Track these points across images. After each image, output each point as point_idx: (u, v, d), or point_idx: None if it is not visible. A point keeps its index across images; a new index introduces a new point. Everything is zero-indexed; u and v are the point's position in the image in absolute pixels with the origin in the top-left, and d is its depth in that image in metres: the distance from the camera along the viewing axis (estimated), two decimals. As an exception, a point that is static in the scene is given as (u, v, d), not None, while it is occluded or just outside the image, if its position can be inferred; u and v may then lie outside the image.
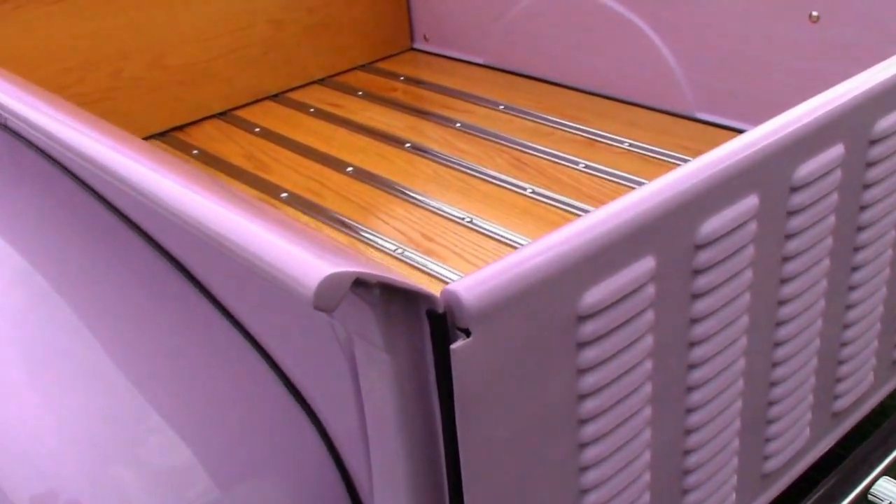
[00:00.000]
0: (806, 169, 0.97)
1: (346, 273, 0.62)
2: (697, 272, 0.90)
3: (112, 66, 2.10)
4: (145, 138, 2.19)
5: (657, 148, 1.94)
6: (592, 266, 0.78)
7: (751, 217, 0.92)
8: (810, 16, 1.76)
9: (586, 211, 1.71)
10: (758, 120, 1.89)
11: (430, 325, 0.70)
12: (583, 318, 0.79)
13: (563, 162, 1.91)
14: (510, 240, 1.65)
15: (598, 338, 0.81)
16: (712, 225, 0.88)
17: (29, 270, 1.10)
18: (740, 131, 1.37)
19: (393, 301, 0.70)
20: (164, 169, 0.84)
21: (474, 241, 1.65)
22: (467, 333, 0.71)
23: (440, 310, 0.70)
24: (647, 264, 0.83)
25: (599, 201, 1.75)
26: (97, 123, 1.00)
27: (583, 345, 0.81)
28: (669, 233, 0.85)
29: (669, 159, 1.89)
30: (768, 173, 0.93)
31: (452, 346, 0.70)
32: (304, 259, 0.65)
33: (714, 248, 0.89)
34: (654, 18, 2.02)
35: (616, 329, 0.83)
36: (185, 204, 0.77)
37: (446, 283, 1.18)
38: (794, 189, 0.97)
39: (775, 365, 1.07)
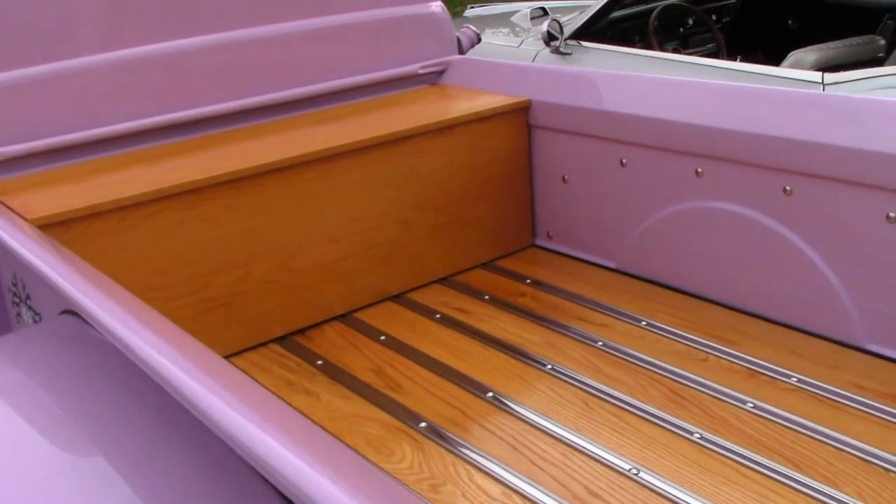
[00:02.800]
0: None
1: None
2: None
3: (240, 271, 2.02)
4: (267, 343, 2.09)
5: (828, 386, 1.77)
6: None
7: None
8: None
9: (766, 466, 1.53)
10: None
11: None
12: None
13: (727, 399, 1.75)
14: (686, 502, 1.48)
15: None
16: None
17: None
18: None
19: None
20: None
21: (647, 501, 1.48)
22: None
23: None
24: None
25: (779, 454, 1.57)
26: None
27: None
28: None
29: (844, 401, 1.72)
30: None
31: None
32: None
33: None
34: (812, 235, 1.90)
35: None
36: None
37: None
38: None
39: None
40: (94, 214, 1.79)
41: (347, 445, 1.68)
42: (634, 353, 1.94)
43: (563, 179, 2.42)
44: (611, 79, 2.32)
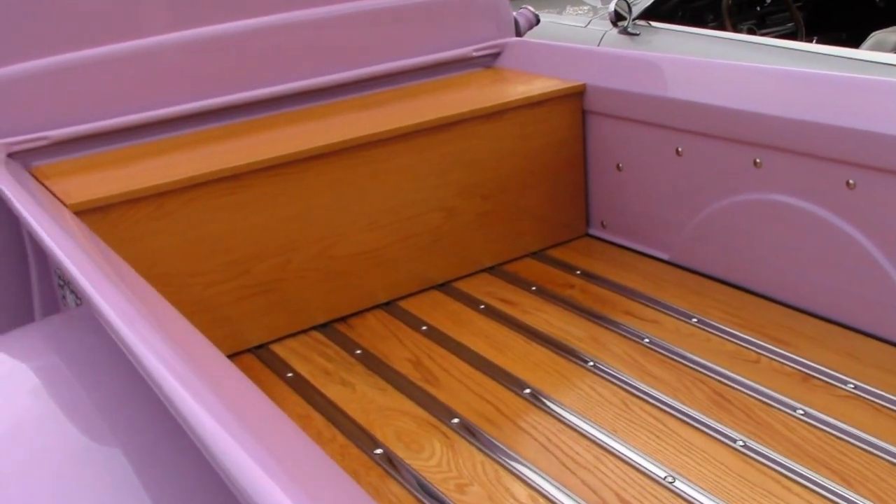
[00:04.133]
0: None
1: None
2: None
3: (281, 257, 2.00)
4: (307, 330, 2.08)
5: (887, 394, 1.66)
6: None
7: None
8: None
9: (812, 480, 1.45)
10: None
11: None
12: None
13: (775, 404, 1.66)
14: (723, 514, 1.40)
15: None
16: None
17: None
18: None
19: None
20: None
21: (680, 512, 1.41)
22: None
23: None
24: None
25: (827, 467, 1.48)
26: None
27: None
28: None
29: (904, 411, 1.61)
30: None
31: None
32: None
33: None
34: (876, 231, 1.78)
35: None
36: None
37: None
38: None
39: None
40: (132, 200, 1.79)
41: (377, 440, 1.65)
42: (682, 351, 1.86)
43: (618, 167, 2.33)
44: (668, 63, 2.22)
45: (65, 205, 1.73)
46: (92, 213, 1.75)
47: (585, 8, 4.72)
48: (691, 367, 1.80)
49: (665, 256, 2.27)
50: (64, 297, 1.94)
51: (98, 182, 1.85)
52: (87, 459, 1.24)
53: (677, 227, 2.21)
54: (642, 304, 2.07)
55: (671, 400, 1.70)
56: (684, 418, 1.64)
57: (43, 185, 1.86)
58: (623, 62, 2.33)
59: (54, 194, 1.79)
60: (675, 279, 2.17)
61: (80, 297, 1.79)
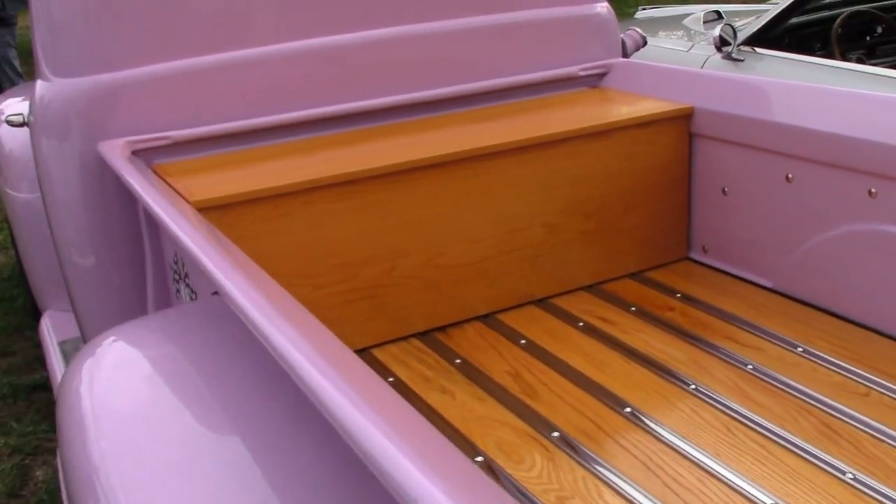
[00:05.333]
0: None
1: None
2: None
3: (388, 264, 2.05)
4: (408, 337, 2.12)
5: None
6: None
7: None
8: None
9: (925, 518, 1.41)
10: None
11: None
12: None
13: (886, 439, 1.62)
14: (831, 545, 1.38)
15: None
16: None
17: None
18: None
19: None
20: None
21: (786, 540, 1.39)
22: None
23: None
24: None
25: (941, 505, 1.44)
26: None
27: None
28: None
29: None
30: None
31: None
32: None
33: None
34: None
35: None
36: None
37: None
38: None
39: None
40: (251, 200, 1.86)
41: (478, 448, 1.67)
42: (786, 380, 1.83)
43: (724, 192, 2.31)
44: (779, 88, 2.20)
45: (187, 201, 1.80)
46: (212, 211, 1.82)
47: (679, 32, 4.69)
48: (797, 397, 1.77)
49: (768, 283, 2.24)
50: (178, 291, 2.02)
51: (218, 181, 1.92)
52: (207, 447, 1.29)
53: (783, 255, 2.18)
54: (744, 330, 2.05)
55: (776, 428, 1.67)
56: (790, 447, 1.62)
57: (165, 181, 1.95)
58: (732, 86, 2.31)
59: (177, 191, 1.87)
60: (779, 307, 2.14)
61: (195, 291, 1.86)
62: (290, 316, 1.14)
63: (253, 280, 1.24)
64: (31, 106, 2.18)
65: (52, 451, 2.93)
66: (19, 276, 3.95)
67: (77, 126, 2.07)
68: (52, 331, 2.92)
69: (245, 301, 1.14)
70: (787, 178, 2.13)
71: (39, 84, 2.11)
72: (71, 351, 2.74)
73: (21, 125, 2.43)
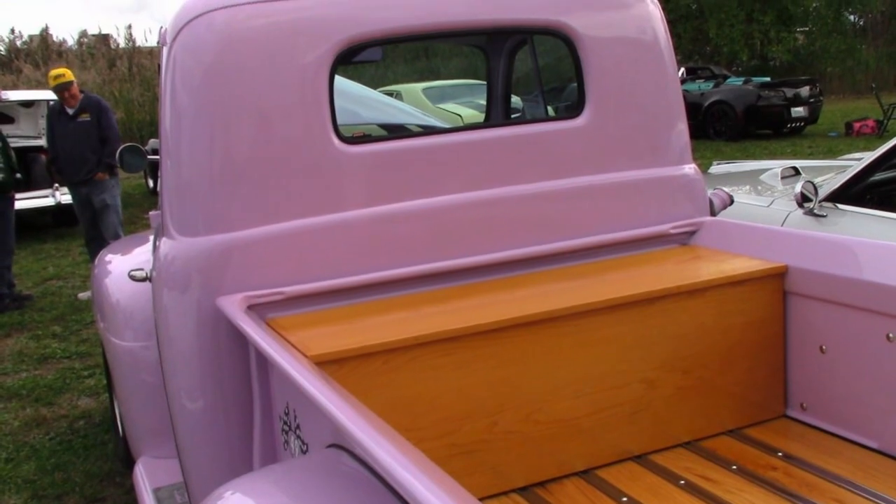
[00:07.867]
0: None
1: None
2: None
3: (488, 419, 2.08)
4: (508, 492, 2.12)
5: None
6: None
7: None
8: None
9: None
10: None
11: None
12: None
13: None
14: None
15: None
16: None
17: None
18: None
19: None
20: None
21: None
22: None
23: None
24: None
25: None
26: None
27: None
28: None
29: None
30: None
31: None
32: None
33: None
34: None
35: None
36: None
37: None
38: None
39: None
40: (364, 355, 1.93)
41: None
42: (903, 546, 1.78)
43: (821, 350, 2.32)
44: (873, 248, 2.23)
45: (304, 355, 1.88)
46: (328, 365, 1.90)
47: (759, 187, 4.76)
48: (916, 565, 1.72)
49: (874, 444, 2.20)
50: (287, 442, 2.07)
51: (331, 335, 2.01)
52: None
53: (888, 415, 2.15)
54: (853, 492, 2.01)
55: None
56: None
57: (280, 335, 2.04)
58: (824, 245, 2.35)
59: (293, 344, 1.96)
60: (888, 469, 2.10)
61: (306, 443, 1.91)
62: (419, 465, 1.18)
63: (378, 429, 1.29)
64: (154, 262, 2.32)
65: None
66: (111, 421, 4.05)
67: (197, 281, 2.19)
68: (146, 477, 2.98)
69: (375, 448, 1.18)
70: (887, 336, 2.13)
71: (164, 241, 2.26)
72: (165, 498, 2.78)
73: (143, 280, 2.58)
